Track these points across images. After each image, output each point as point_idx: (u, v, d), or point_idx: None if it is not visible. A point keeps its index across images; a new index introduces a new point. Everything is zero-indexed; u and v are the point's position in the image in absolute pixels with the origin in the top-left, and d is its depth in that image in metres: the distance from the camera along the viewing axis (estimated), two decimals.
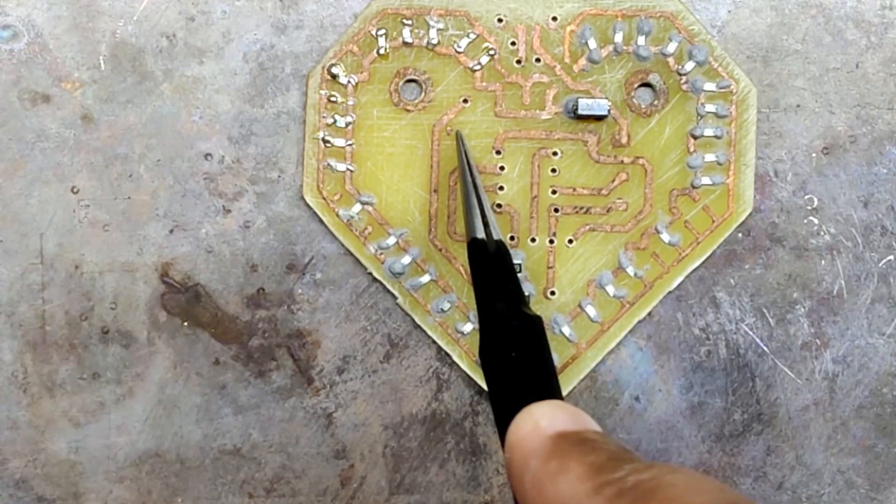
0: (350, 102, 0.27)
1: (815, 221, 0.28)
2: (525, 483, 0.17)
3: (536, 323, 0.21)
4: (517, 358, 0.20)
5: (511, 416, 0.19)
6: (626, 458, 0.17)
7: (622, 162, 0.27)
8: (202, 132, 0.27)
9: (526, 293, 0.27)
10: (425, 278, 0.27)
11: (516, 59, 0.27)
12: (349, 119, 0.27)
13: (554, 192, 0.27)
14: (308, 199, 0.27)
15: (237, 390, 0.27)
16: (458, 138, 0.26)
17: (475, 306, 0.24)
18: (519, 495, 0.18)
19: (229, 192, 0.27)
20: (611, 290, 0.27)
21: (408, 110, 0.27)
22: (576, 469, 0.17)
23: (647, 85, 0.27)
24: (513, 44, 0.27)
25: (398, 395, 0.28)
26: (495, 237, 0.24)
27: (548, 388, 0.20)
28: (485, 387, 0.25)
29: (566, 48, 0.27)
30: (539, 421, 0.18)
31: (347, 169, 0.27)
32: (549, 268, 0.27)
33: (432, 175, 0.27)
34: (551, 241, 0.27)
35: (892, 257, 0.28)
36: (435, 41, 0.27)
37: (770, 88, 0.28)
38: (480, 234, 0.24)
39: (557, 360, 0.27)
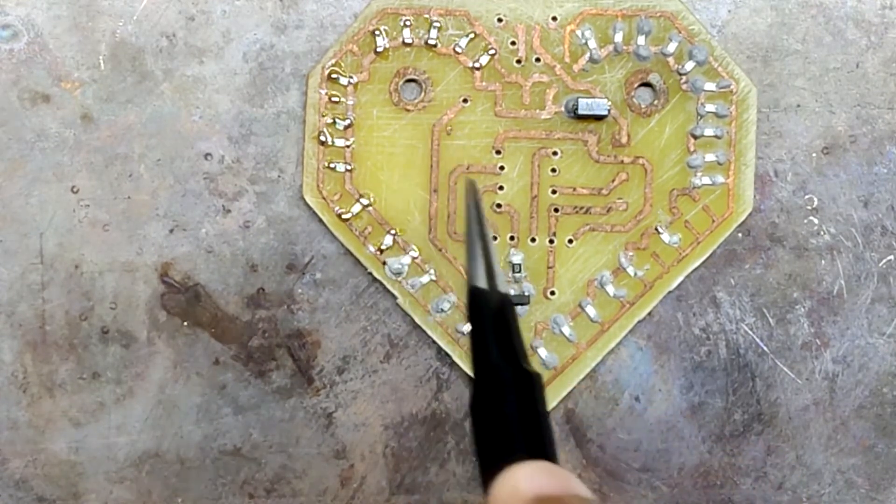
0: (350, 102, 0.27)
1: (815, 221, 0.28)
2: None
3: (534, 378, 0.20)
4: (508, 413, 0.19)
5: (495, 474, 0.18)
6: None
7: (622, 162, 0.27)
8: (202, 132, 0.27)
9: (526, 293, 0.27)
10: (425, 278, 0.27)
11: (516, 58, 0.27)
12: (349, 119, 0.27)
13: (554, 191, 0.27)
14: (308, 199, 0.27)
15: (237, 390, 0.27)
16: (470, 186, 0.23)
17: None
18: None
19: (229, 192, 0.27)
20: (611, 290, 0.27)
21: (408, 110, 0.27)
22: None
23: (647, 85, 0.27)
24: (513, 43, 0.27)
25: (398, 395, 0.28)
26: (501, 290, 0.21)
27: (538, 446, 0.19)
28: None
29: (566, 48, 0.27)
30: (519, 483, 0.17)
31: (347, 169, 0.27)
32: (549, 268, 0.27)
33: (432, 175, 0.27)
34: (551, 241, 0.27)
35: (892, 257, 0.28)
36: (435, 41, 0.27)
37: (770, 88, 0.28)
38: (482, 284, 0.22)
39: (557, 360, 0.27)
